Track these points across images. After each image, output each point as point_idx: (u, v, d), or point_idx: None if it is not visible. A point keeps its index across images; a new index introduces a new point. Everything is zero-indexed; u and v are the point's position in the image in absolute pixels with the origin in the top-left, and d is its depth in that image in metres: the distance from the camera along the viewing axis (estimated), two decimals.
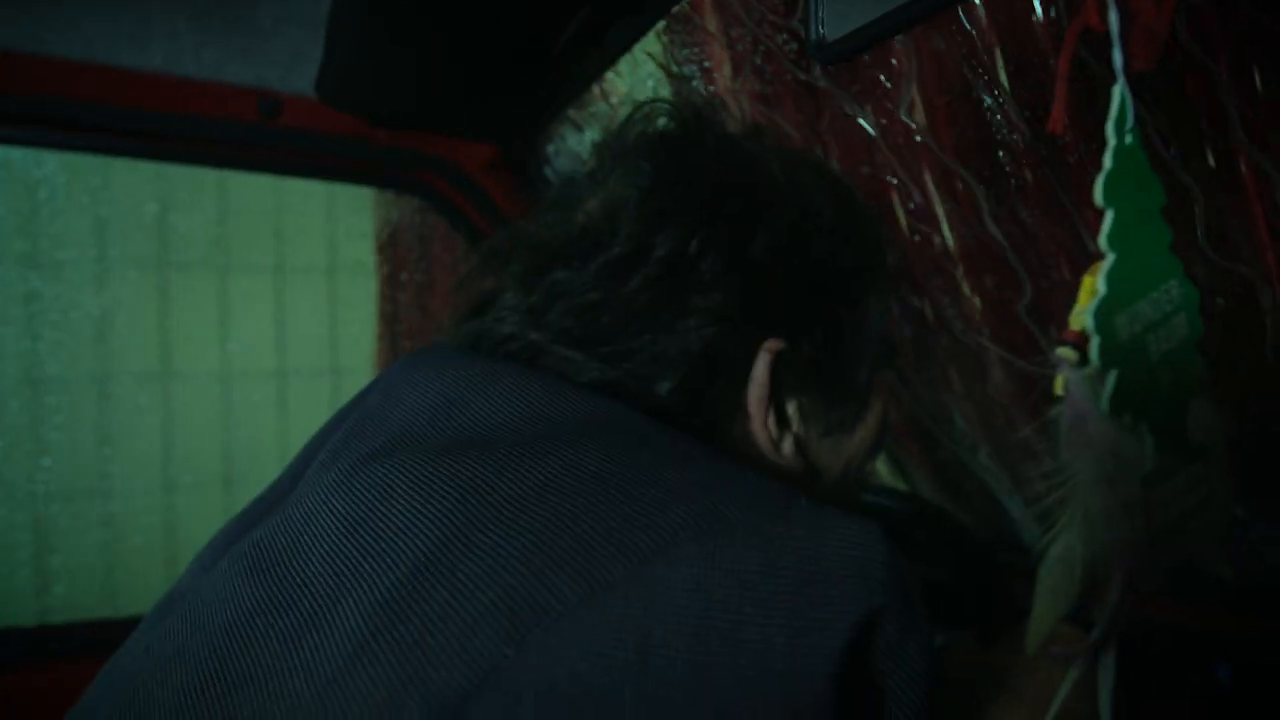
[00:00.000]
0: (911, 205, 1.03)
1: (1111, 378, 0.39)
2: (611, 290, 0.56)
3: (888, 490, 1.16)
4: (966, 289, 1.01)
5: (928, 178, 0.97)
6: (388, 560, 0.45)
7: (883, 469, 1.37)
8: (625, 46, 1.21)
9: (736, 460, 0.56)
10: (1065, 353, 0.40)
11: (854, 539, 0.43)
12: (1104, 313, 0.39)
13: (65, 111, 1.18)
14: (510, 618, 0.40)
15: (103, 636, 1.31)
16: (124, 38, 1.16)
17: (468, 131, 1.48)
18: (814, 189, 0.62)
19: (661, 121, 0.64)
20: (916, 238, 1.06)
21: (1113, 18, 0.41)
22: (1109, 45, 0.41)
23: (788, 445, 0.60)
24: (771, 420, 0.59)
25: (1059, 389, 0.40)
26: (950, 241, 1.00)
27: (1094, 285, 0.39)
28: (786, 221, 0.59)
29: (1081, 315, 0.40)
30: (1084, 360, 0.40)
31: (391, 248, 2.27)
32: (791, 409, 0.60)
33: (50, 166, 1.93)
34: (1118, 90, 0.40)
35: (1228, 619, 0.98)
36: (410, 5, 1.09)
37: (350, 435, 0.56)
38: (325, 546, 0.48)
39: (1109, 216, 0.40)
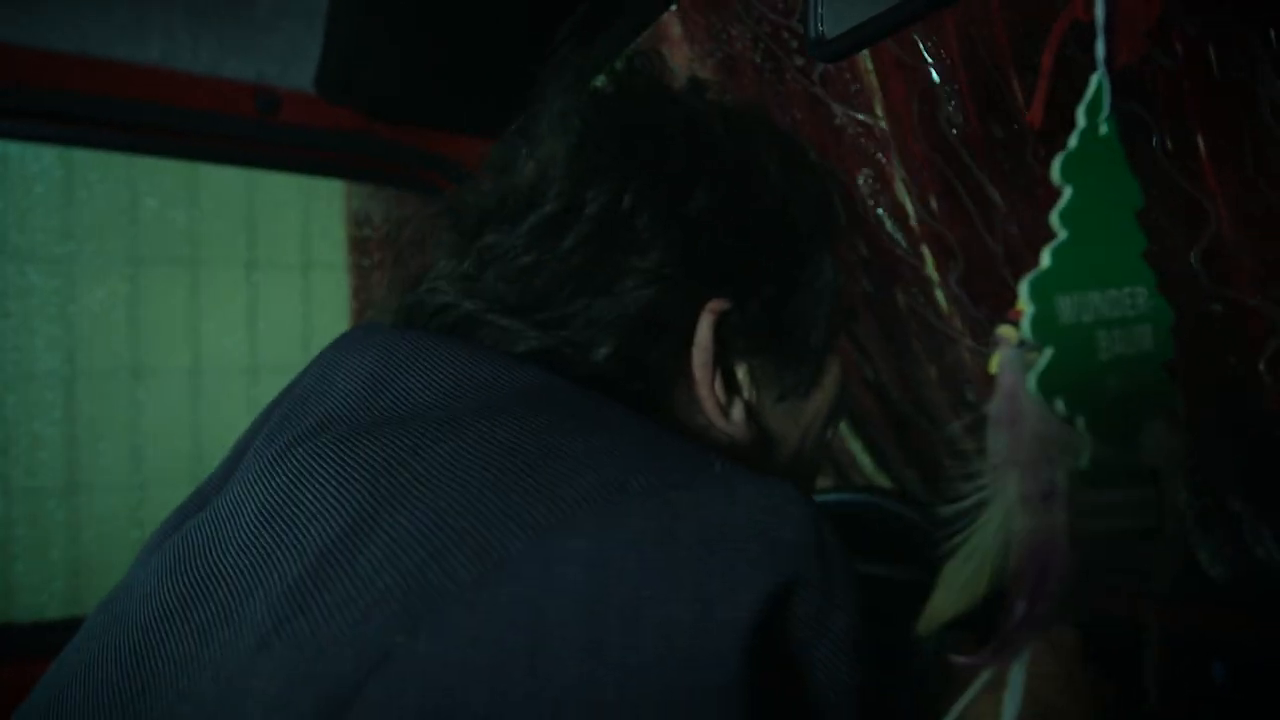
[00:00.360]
0: (887, 198, 1.03)
1: (1045, 355, 0.38)
2: (544, 251, 0.54)
3: (880, 490, 1.15)
4: (937, 279, 1.01)
5: (900, 173, 0.97)
6: (297, 549, 0.43)
7: (868, 467, 1.37)
8: (626, 41, 1.21)
9: (676, 428, 0.53)
10: (1006, 331, 0.39)
11: (766, 504, 0.40)
12: (1042, 286, 0.39)
13: (61, 105, 1.18)
14: (404, 603, 0.38)
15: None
16: (120, 31, 1.16)
17: (468, 127, 1.47)
18: (759, 143, 0.59)
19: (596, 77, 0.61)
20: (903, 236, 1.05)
21: (1099, 8, 0.41)
22: (1094, 36, 0.40)
23: (737, 412, 0.57)
24: (719, 385, 0.55)
25: (994, 367, 0.39)
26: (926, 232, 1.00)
27: None
28: (728, 176, 0.56)
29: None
30: (1024, 340, 0.39)
31: (365, 242, 2.27)
32: (741, 373, 0.57)
33: (46, 161, 1.94)
34: (1095, 78, 0.40)
35: (1225, 618, 0.97)
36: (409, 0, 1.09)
37: (282, 421, 0.53)
38: (243, 537, 0.46)
39: (1065, 194, 0.39)
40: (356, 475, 0.44)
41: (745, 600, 0.38)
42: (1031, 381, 0.39)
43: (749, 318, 0.56)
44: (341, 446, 0.47)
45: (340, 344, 0.58)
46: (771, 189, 0.58)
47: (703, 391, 0.55)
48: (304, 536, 0.43)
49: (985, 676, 0.42)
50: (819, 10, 0.64)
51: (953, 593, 0.40)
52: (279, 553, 0.43)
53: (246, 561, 0.44)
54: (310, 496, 0.45)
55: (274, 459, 0.50)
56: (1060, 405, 0.39)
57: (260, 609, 0.41)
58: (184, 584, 0.46)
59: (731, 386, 0.57)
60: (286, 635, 0.39)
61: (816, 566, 0.39)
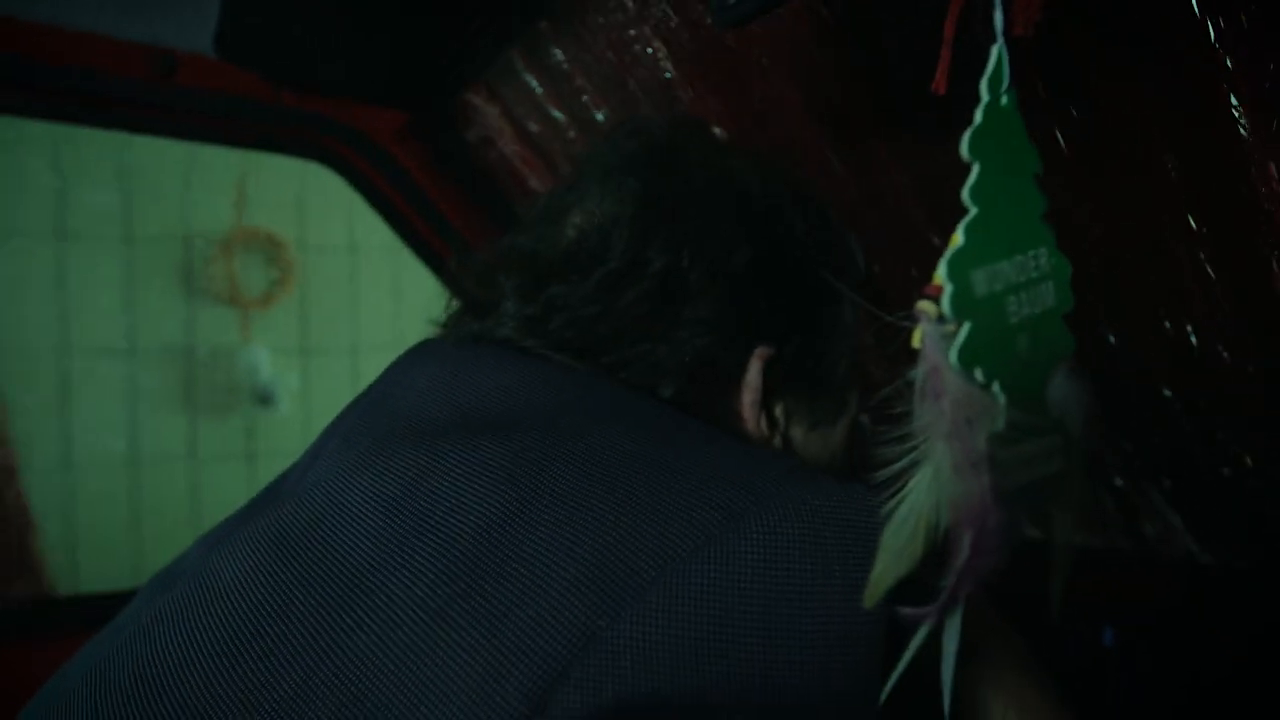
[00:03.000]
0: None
1: (963, 330, 0.40)
2: (609, 303, 0.60)
3: None
4: None
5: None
6: (441, 537, 0.48)
7: None
8: (543, 14, 1.19)
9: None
10: (925, 306, 0.40)
11: (869, 504, 0.48)
12: (959, 264, 0.40)
13: None
14: (599, 591, 0.44)
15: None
16: None
17: (377, 97, 1.43)
18: (789, 201, 0.66)
19: (646, 137, 0.67)
20: None
21: None
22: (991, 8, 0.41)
23: (778, 442, 0.64)
24: (763, 422, 0.63)
25: (916, 342, 0.41)
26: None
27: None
28: (767, 233, 0.63)
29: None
30: (943, 315, 0.40)
31: None
32: (779, 410, 0.64)
33: None
34: (995, 50, 0.41)
35: (1115, 584, 1.02)
36: None
37: (362, 420, 0.60)
38: (363, 526, 0.50)
39: (974, 170, 0.40)
40: (487, 472, 0.50)
41: None
42: (953, 355, 0.40)
43: (787, 360, 0.63)
44: (458, 445, 0.52)
45: (416, 353, 0.65)
46: (801, 243, 0.65)
47: (751, 428, 0.63)
48: (446, 525, 0.48)
49: (925, 629, 0.45)
50: None
51: (893, 557, 0.43)
52: (418, 539, 0.48)
53: (374, 548, 0.49)
54: (441, 491, 0.50)
55: (369, 454, 0.54)
56: (979, 373, 0.41)
57: (415, 588, 0.46)
58: (296, 566, 0.50)
59: (772, 421, 0.64)
60: (464, 611, 0.44)
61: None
